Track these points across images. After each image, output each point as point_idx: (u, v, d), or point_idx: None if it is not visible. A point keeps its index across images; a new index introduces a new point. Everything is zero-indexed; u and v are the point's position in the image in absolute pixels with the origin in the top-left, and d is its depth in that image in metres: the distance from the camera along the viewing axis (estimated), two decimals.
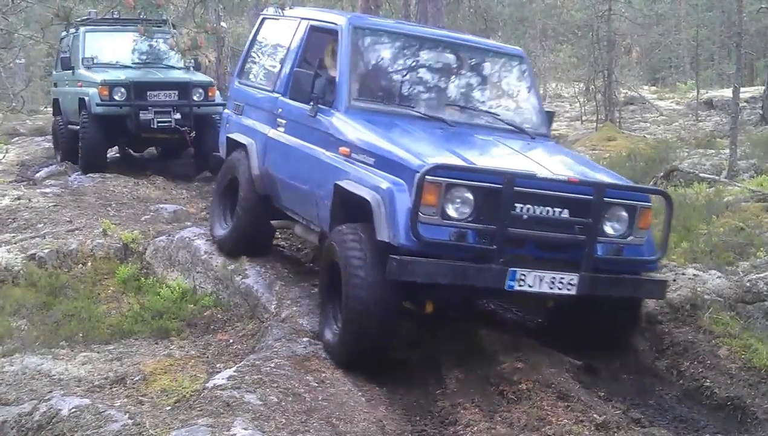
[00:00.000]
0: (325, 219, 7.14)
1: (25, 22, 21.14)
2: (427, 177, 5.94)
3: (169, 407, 5.77)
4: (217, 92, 14.84)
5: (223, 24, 16.18)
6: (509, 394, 6.21)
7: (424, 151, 6.45)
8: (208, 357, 6.97)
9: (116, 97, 13.82)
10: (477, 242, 6.15)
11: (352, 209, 6.60)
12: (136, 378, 6.40)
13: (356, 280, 6.20)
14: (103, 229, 9.74)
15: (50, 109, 23.23)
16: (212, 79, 15.11)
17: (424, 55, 7.96)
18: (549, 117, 8.29)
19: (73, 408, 5.57)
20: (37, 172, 14.43)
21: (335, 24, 7.83)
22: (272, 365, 6.34)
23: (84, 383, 6.34)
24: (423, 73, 7.91)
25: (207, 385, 5.97)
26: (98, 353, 7.06)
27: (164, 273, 8.94)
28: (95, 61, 14.79)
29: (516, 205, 6.14)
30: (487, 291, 6.74)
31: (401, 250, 6.01)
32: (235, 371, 6.14)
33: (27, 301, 8.15)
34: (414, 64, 7.91)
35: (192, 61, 13.33)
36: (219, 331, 7.64)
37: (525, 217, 6.19)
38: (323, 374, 6.35)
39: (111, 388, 6.27)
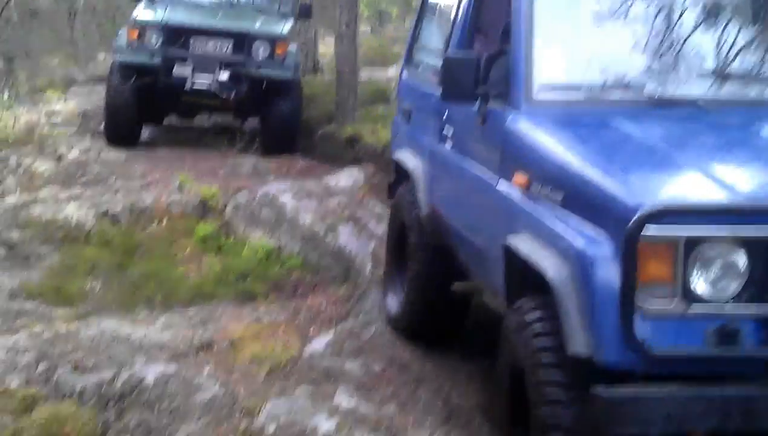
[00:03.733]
0: (500, 287, 4.87)
1: None
2: (646, 232, 3.59)
3: (263, 376, 5.81)
4: (292, 50, 12.26)
5: None
6: None
7: (646, 175, 4.03)
8: (298, 323, 6.98)
9: (148, 44, 11.77)
10: (765, 342, 3.70)
11: (539, 280, 4.14)
12: (224, 345, 6.45)
13: (553, 409, 3.89)
14: (180, 183, 9.83)
15: (108, 56, 23.40)
16: (284, 33, 12.25)
17: None
18: None
19: (158, 376, 5.63)
20: (102, 123, 14.57)
21: None
22: (372, 331, 6.37)
23: (167, 349, 6.39)
24: (655, 29, 5.13)
25: (303, 352, 6.01)
26: (180, 317, 7.12)
27: (246, 232, 8.96)
28: None
29: None
30: None
31: (611, 370, 3.70)
32: (333, 338, 6.15)
33: (101, 261, 8.24)
34: (639, 15, 5.18)
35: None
36: (309, 295, 7.66)
37: None
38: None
39: (197, 355, 6.32)
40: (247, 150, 12.04)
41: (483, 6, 5.85)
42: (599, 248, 3.75)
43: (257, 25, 12.13)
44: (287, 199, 8.99)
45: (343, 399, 5.16)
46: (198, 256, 8.60)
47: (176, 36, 11.82)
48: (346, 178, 9.77)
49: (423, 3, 7.18)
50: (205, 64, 11.71)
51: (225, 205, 9.46)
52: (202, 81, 11.66)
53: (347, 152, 11.48)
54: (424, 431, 5.04)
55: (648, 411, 3.58)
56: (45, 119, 14.15)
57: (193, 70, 11.67)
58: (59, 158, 11.43)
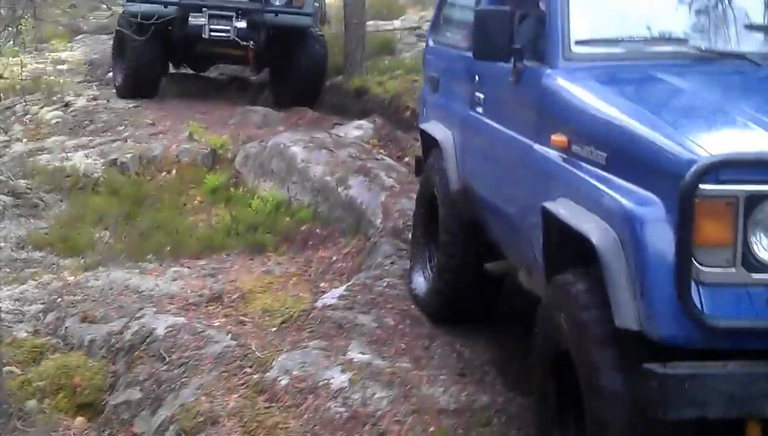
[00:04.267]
0: (537, 261, 4.44)
1: None
2: (702, 187, 3.20)
3: (275, 329, 5.75)
4: None
5: None
6: None
7: (699, 129, 3.60)
8: (310, 275, 6.92)
9: None
10: None
11: (581, 249, 3.74)
12: (234, 296, 6.38)
13: (607, 391, 3.41)
14: (190, 132, 9.71)
15: (111, 6, 23.03)
16: None
17: None
18: None
19: (168, 327, 5.56)
20: (108, 72, 14.42)
21: None
22: (384, 284, 6.27)
23: (177, 300, 6.33)
24: None
25: (316, 305, 5.93)
26: (189, 268, 7.05)
27: (256, 183, 8.88)
28: None
29: None
30: None
31: (665, 344, 3.29)
32: (345, 290, 6.07)
33: (109, 210, 8.17)
34: None
35: None
36: (319, 247, 7.58)
37: None
38: None
39: (207, 306, 6.25)
40: (256, 100, 11.91)
41: None
42: (650, 209, 3.37)
43: None
44: (297, 150, 8.86)
45: (356, 353, 5.07)
46: (207, 206, 8.55)
47: None
48: (356, 129, 9.66)
49: None
50: (221, 13, 11.22)
51: (235, 156, 9.37)
52: (220, 28, 11.17)
53: (355, 104, 11.36)
54: (438, 386, 4.95)
55: (708, 391, 3.15)
56: (51, 67, 14.04)
57: (209, 19, 11.18)
58: (67, 106, 11.34)
